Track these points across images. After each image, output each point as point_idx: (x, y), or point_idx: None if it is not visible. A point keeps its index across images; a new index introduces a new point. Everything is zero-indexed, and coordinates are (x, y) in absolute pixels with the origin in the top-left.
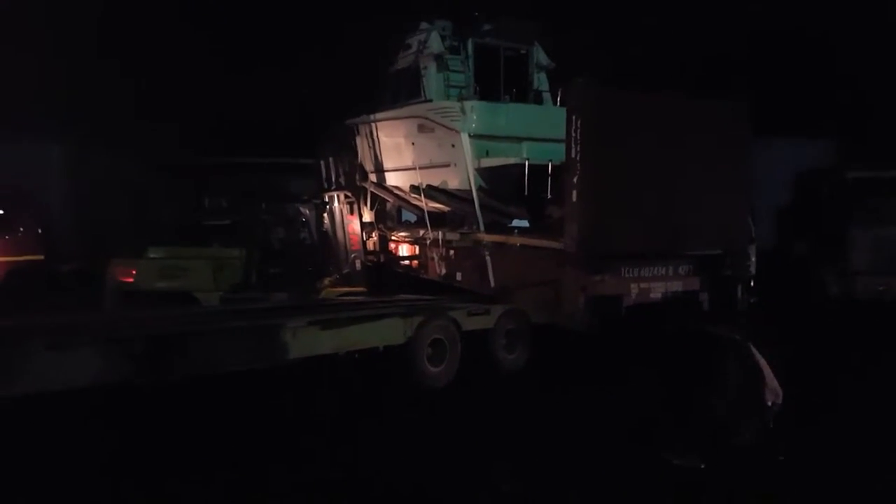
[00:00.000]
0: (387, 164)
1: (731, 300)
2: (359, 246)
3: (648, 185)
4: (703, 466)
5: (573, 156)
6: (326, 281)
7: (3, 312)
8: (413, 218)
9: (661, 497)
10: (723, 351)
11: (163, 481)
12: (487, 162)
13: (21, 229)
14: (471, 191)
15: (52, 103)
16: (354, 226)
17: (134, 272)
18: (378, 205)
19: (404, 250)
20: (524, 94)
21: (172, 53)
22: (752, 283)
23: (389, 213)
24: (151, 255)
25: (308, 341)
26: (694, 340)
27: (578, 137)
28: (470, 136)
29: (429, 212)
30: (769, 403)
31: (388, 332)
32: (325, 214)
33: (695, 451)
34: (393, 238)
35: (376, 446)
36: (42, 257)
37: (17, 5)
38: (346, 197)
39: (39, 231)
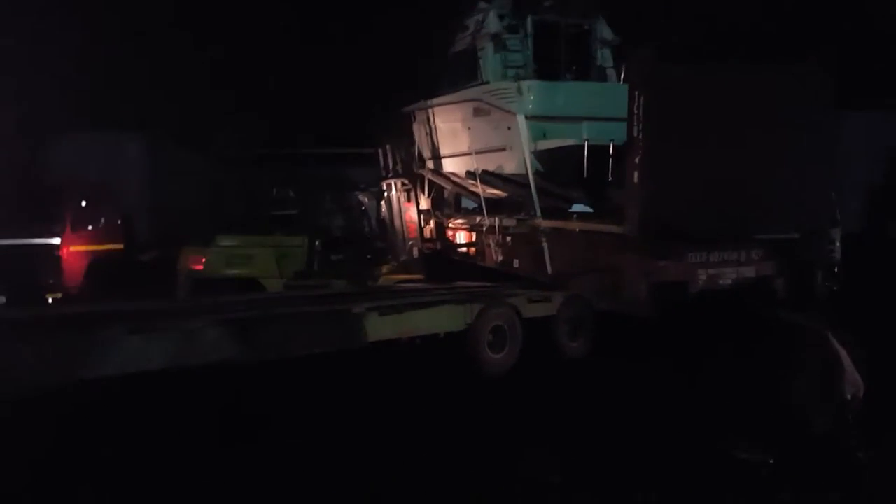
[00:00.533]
0: (444, 151)
1: (810, 287)
2: (416, 233)
3: (718, 163)
4: (771, 462)
5: (635, 134)
6: (384, 268)
7: (88, 299)
8: (472, 205)
9: (721, 494)
10: (799, 340)
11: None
12: (545, 144)
13: (102, 220)
14: (527, 175)
15: (130, 98)
16: (412, 213)
17: (203, 260)
18: (435, 192)
19: (462, 237)
20: (586, 71)
21: (238, 49)
22: (836, 269)
23: (447, 200)
24: (220, 244)
25: (374, 326)
26: (768, 328)
27: (640, 115)
28: (526, 117)
29: (485, 198)
30: (848, 396)
31: (448, 318)
32: (383, 202)
33: (763, 445)
34: (450, 225)
35: (430, 431)
36: (122, 247)
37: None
38: (404, 184)
39: (119, 222)
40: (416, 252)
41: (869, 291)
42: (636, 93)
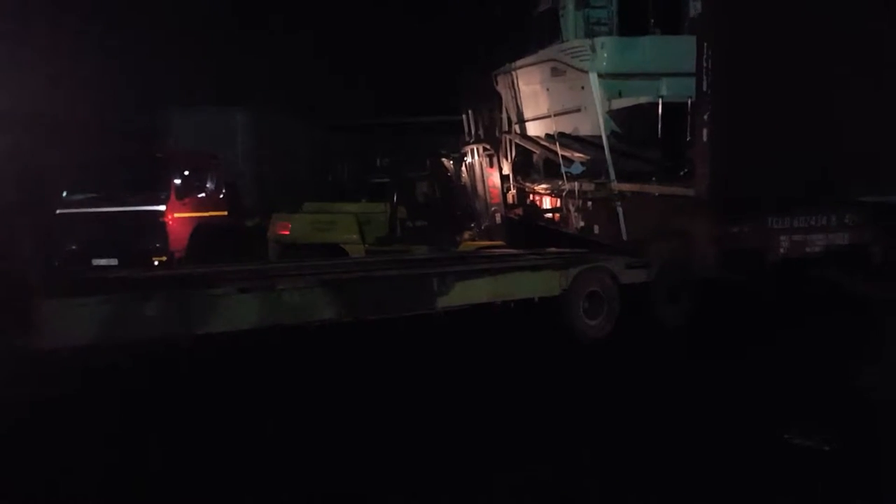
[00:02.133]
0: (526, 114)
1: None
2: (499, 199)
3: (801, 115)
4: (827, 449)
5: (704, 89)
6: (466, 234)
7: (197, 261)
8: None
9: (766, 482)
10: (880, 316)
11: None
12: (619, 103)
13: (206, 188)
14: (602, 137)
15: (238, 73)
16: (494, 179)
17: (289, 226)
18: (518, 156)
19: (546, 203)
20: (677, 24)
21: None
22: None
23: (535, 164)
24: (305, 211)
25: (466, 290)
26: (850, 302)
27: (709, 66)
28: (599, 75)
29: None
30: None
31: (543, 283)
32: (464, 168)
33: (823, 431)
34: (532, 191)
35: (519, 397)
36: (226, 213)
37: None
38: (485, 149)
39: (224, 190)
40: (498, 218)
41: None
42: (703, 42)
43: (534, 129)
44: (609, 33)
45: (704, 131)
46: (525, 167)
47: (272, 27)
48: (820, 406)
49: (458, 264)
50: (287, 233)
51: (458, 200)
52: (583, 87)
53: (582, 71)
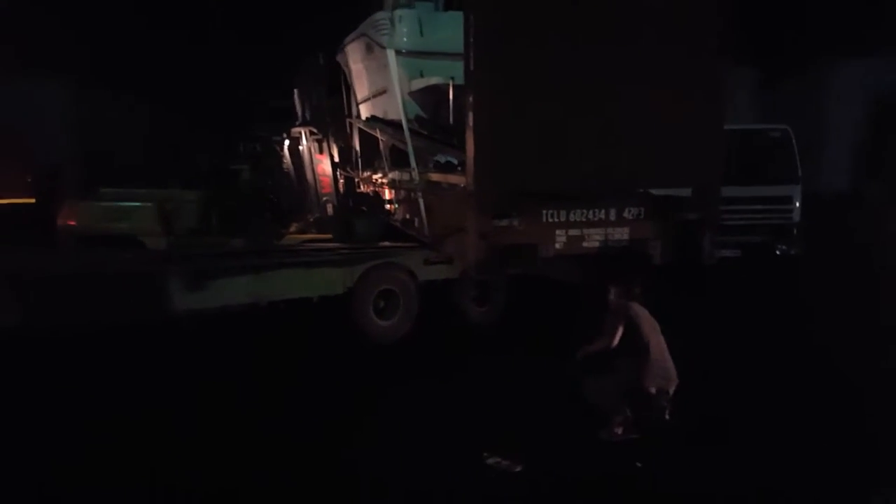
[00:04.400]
0: (358, 96)
1: (696, 252)
2: (330, 188)
3: (577, 103)
4: (518, 470)
5: (470, 68)
6: (293, 227)
7: None
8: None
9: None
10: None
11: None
12: (420, 84)
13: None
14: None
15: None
16: (324, 166)
17: (77, 214)
18: (343, 142)
19: (387, 194)
20: None
21: None
22: (794, 232)
23: (381, 152)
24: (97, 197)
25: (221, 290)
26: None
27: (473, 42)
28: (398, 52)
29: (390, 148)
30: (652, 390)
31: (321, 281)
32: (287, 154)
33: (520, 450)
34: (364, 180)
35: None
36: (33, 200)
37: None
38: (313, 134)
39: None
40: (330, 209)
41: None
42: (468, 15)
43: (363, 112)
44: (403, 4)
45: (471, 116)
46: (349, 154)
47: None
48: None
49: (248, 260)
50: (73, 222)
51: (288, 190)
52: (386, 66)
53: (382, 47)
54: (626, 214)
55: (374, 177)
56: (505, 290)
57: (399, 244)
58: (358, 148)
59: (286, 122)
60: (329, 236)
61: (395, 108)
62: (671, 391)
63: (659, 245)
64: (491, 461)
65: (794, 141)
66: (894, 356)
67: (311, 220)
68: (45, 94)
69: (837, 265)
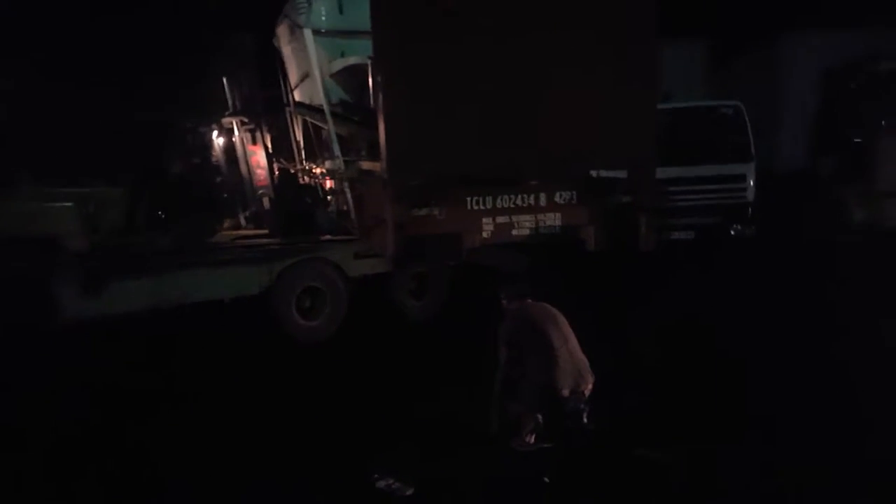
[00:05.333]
0: (290, 83)
1: (633, 237)
2: (266, 181)
3: (498, 84)
4: (409, 494)
5: (378, 46)
6: (227, 223)
7: None
8: None
9: None
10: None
11: None
12: (339, 64)
13: None
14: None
15: None
16: (259, 157)
17: None
18: (276, 131)
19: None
20: None
21: None
22: (749, 211)
23: (325, 142)
24: (16, 195)
25: (115, 296)
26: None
27: (380, 19)
28: (316, 32)
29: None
30: (564, 392)
31: (232, 281)
32: (217, 145)
33: (410, 472)
34: (298, 171)
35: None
36: None
37: None
38: (244, 123)
39: None
40: (266, 203)
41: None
42: None
43: (295, 99)
44: None
45: (381, 98)
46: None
47: None
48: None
49: (147, 261)
50: None
51: (220, 184)
52: (305, 48)
53: (300, 27)
54: (557, 199)
55: (312, 167)
56: (444, 282)
57: (327, 238)
58: (297, 137)
59: (216, 111)
60: (265, 231)
61: (317, 92)
62: (587, 392)
63: (592, 231)
64: (381, 484)
65: (746, 117)
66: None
67: (247, 214)
68: None
69: (791, 246)
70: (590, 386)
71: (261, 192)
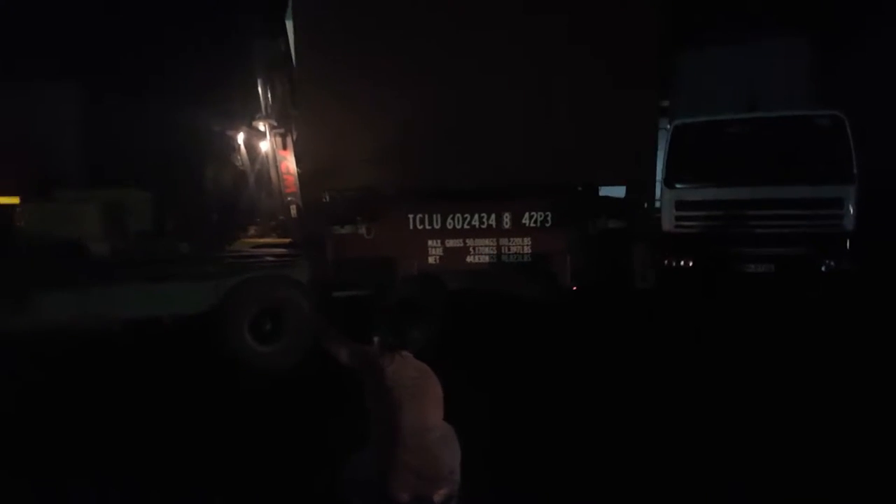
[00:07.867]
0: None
1: (623, 270)
2: (295, 188)
3: (442, 87)
4: None
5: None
6: (253, 229)
7: None
8: None
9: None
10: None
11: None
12: None
13: None
14: None
15: None
16: (288, 163)
17: (22, 217)
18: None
19: None
20: None
21: None
22: (846, 243)
23: None
24: (49, 199)
25: (38, 308)
26: None
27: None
28: None
29: None
30: (403, 497)
31: (168, 297)
32: (242, 151)
33: None
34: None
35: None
36: None
37: None
38: (273, 127)
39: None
40: (294, 211)
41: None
42: None
43: None
44: None
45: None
46: None
47: None
48: None
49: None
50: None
51: (250, 189)
52: None
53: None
54: (526, 221)
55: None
56: (442, 306)
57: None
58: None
59: (248, 114)
60: (289, 241)
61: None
62: (437, 501)
63: (569, 261)
64: None
65: (849, 130)
66: None
67: (275, 223)
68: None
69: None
70: (443, 495)
71: (289, 199)
